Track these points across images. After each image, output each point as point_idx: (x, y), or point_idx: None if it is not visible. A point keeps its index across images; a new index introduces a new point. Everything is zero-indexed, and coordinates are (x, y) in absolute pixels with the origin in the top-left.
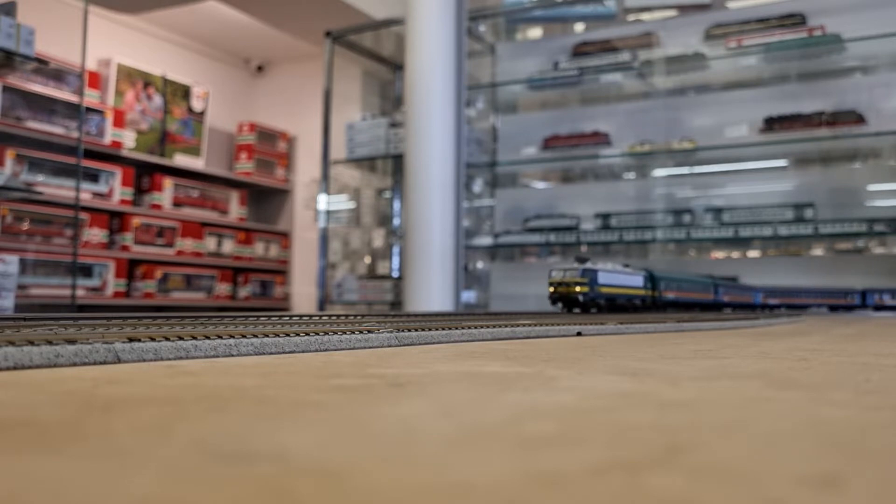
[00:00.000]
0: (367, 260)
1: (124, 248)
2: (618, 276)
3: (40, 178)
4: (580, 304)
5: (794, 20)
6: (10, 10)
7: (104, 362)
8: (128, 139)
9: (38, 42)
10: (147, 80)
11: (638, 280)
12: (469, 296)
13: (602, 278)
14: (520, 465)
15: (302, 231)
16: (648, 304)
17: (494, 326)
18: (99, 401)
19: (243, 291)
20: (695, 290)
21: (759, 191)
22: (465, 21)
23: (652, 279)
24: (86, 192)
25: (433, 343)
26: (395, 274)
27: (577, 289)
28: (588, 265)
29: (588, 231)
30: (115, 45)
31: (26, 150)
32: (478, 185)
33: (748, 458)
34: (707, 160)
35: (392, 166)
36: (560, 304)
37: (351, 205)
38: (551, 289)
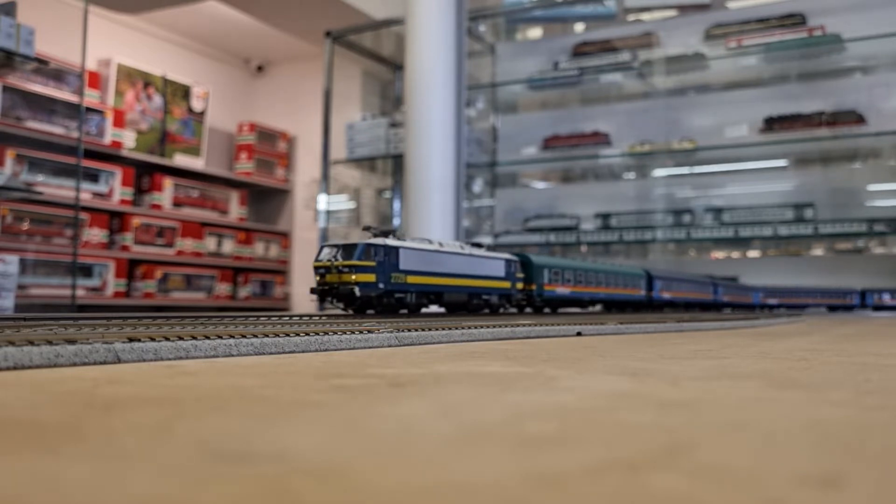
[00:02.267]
0: None
1: (124, 248)
2: (446, 258)
3: (40, 178)
4: (363, 301)
5: (794, 20)
6: (10, 10)
7: (104, 362)
8: (128, 139)
9: (38, 42)
10: (147, 80)
11: (496, 267)
12: None
13: (407, 261)
14: (520, 465)
15: (302, 231)
16: (519, 303)
17: (494, 326)
18: (99, 401)
19: (243, 291)
20: (609, 285)
21: (759, 191)
22: (465, 21)
23: (526, 268)
24: (86, 192)
25: (433, 343)
26: None
27: (354, 277)
28: (386, 241)
29: (588, 231)
30: (115, 45)
31: (26, 150)
32: (478, 185)
33: (748, 458)
34: (707, 160)
35: (392, 166)
36: (336, 302)
37: (351, 205)
38: (317, 277)
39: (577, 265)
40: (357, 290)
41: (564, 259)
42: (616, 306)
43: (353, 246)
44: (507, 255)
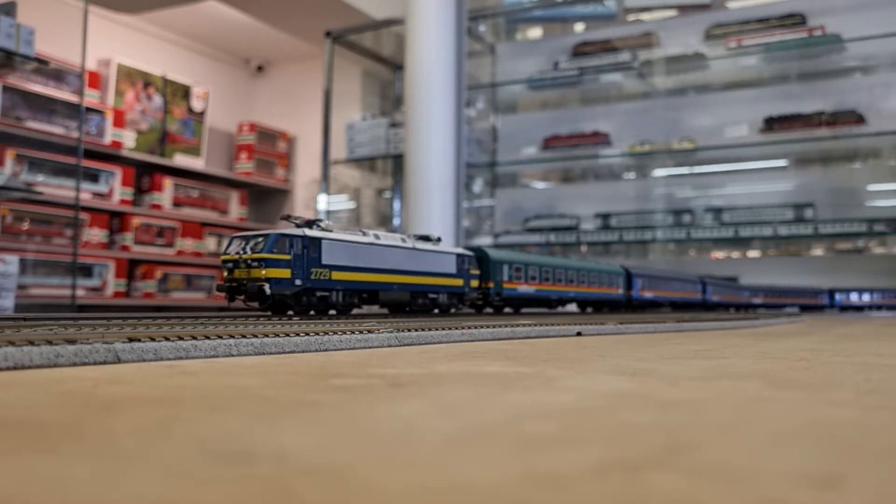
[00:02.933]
0: None
1: (124, 248)
2: (383, 252)
3: (40, 178)
4: (275, 301)
5: (794, 20)
6: (10, 10)
7: (104, 362)
8: (128, 139)
9: (38, 42)
10: (147, 80)
11: (445, 262)
12: None
13: (332, 254)
14: (520, 465)
15: None
16: (474, 303)
17: (494, 326)
18: (99, 401)
19: None
20: (581, 283)
21: (759, 191)
22: (465, 21)
23: (483, 264)
24: (86, 192)
25: (433, 343)
26: None
27: (264, 273)
28: (306, 231)
29: (588, 231)
30: (115, 45)
31: (26, 150)
32: (478, 185)
33: (748, 458)
34: (707, 160)
35: (392, 166)
36: (248, 301)
37: (351, 205)
38: (224, 273)
39: (543, 261)
40: (267, 288)
41: (528, 254)
42: (591, 307)
43: (265, 237)
44: (458, 250)
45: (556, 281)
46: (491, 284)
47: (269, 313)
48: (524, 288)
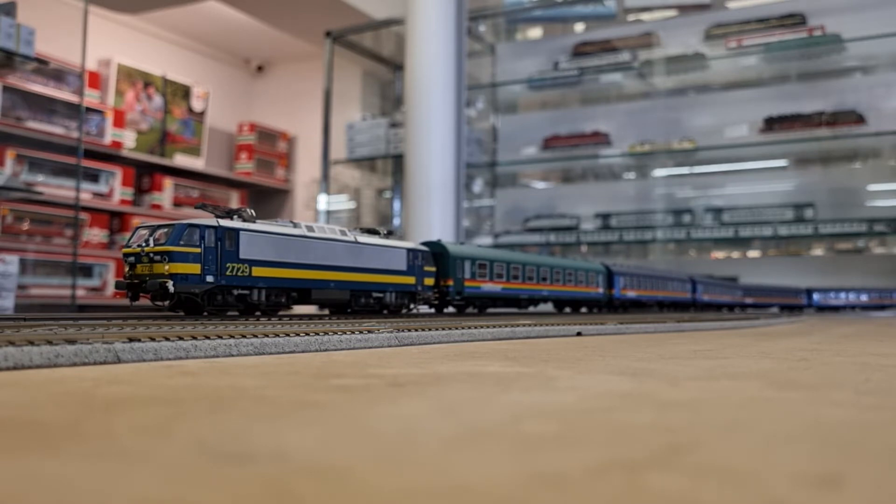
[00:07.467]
0: None
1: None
2: (317, 246)
3: (40, 178)
4: (181, 300)
5: (794, 20)
6: (10, 10)
7: (104, 362)
8: (128, 139)
9: (38, 42)
10: (147, 80)
11: (394, 258)
12: None
13: (252, 247)
14: (520, 465)
15: None
16: (428, 301)
17: (494, 326)
18: (99, 401)
19: None
20: (556, 282)
21: (759, 191)
22: (465, 21)
23: (441, 260)
24: (86, 192)
25: (433, 343)
26: None
27: (167, 268)
28: (220, 221)
29: (588, 231)
30: (115, 45)
31: (26, 150)
32: (478, 185)
33: (748, 458)
34: (707, 160)
35: (392, 166)
36: (155, 301)
37: (351, 205)
38: (126, 268)
39: (511, 257)
40: (171, 285)
41: (495, 250)
42: (568, 306)
43: (170, 227)
44: (410, 245)
45: (527, 279)
46: (451, 282)
47: (178, 312)
48: (489, 287)
